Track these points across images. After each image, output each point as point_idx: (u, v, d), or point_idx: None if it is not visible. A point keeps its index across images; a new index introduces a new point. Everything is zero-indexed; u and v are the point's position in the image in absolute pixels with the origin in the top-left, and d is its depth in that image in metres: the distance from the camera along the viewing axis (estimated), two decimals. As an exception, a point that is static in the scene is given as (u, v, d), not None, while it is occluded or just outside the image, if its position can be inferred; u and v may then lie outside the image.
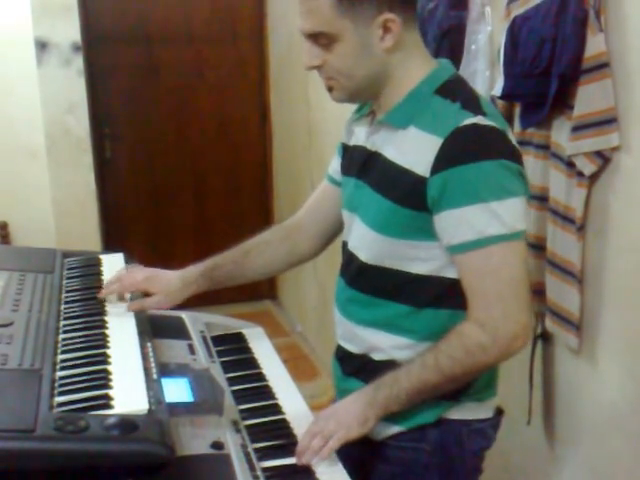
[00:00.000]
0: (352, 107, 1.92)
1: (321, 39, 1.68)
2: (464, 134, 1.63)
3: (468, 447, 1.85)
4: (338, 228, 2.07)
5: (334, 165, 2.06)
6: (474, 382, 1.80)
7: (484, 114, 1.65)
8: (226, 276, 2.11)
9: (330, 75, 1.73)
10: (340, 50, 1.68)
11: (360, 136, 1.88)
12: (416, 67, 1.74)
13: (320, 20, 1.66)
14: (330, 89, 1.78)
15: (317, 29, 1.67)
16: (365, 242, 1.81)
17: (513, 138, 1.71)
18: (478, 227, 1.62)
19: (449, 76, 1.75)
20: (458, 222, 1.63)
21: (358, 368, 1.89)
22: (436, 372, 1.69)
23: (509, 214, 1.62)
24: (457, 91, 1.71)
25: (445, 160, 1.62)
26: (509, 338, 1.66)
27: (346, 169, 1.95)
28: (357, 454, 1.83)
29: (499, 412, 1.93)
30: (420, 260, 1.73)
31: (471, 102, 1.68)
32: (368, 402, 1.71)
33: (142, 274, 2.08)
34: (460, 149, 1.62)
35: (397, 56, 1.71)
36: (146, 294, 2.05)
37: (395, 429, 1.84)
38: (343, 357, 1.96)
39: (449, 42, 2.56)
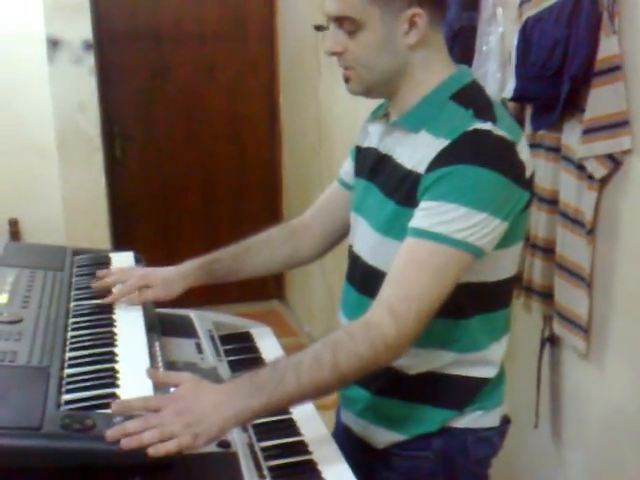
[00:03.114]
0: (362, 108, 1.91)
1: (347, 24, 1.66)
2: (470, 138, 1.60)
3: (473, 455, 1.83)
4: (343, 231, 2.06)
5: (345, 167, 2.05)
6: (479, 390, 1.79)
7: (495, 122, 1.62)
8: (225, 271, 2.10)
9: (349, 64, 1.71)
10: (364, 39, 1.66)
11: (374, 138, 1.86)
12: (436, 70, 1.72)
13: (349, 4, 1.64)
14: (347, 80, 1.75)
15: (345, 13, 1.65)
16: (371, 245, 1.80)
17: (525, 149, 1.67)
18: (442, 222, 1.56)
19: (467, 82, 1.73)
20: (428, 209, 1.59)
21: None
22: (332, 371, 1.53)
23: (476, 226, 1.56)
24: (472, 98, 1.68)
25: (444, 159, 1.60)
26: (409, 340, 1.58)
27: (358, 171, 1.94)
28: (362, 460, 1.82)
29: (506, 420, 1.91)
30: None
31: (484, 110, 1.65)
32: (235, 413, 1.50)
33: (139, 272, 2.10)
34: (461, 150, 1.59)
35: (419, 55, 1.69)
36: (145, 288, 2.05)
37: (399, 437, 1.82)
38: None
39: (460, 43, 2.56)
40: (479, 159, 1.57)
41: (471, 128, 1.60)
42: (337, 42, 1.70)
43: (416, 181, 1.64)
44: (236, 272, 2.12)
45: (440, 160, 1.60)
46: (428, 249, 1.57)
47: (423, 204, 1.60)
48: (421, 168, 1.64)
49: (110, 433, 1.38)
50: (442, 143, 1.61)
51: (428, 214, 1.58)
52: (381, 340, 1.55)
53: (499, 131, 1.61)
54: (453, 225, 1.56)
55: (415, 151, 1.68)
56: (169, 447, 1.40)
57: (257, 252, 2.11)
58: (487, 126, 1.60)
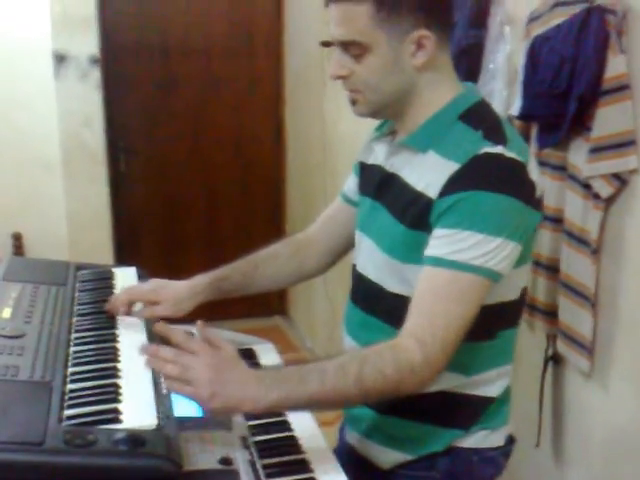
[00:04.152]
0: (367, 124, 1.91)
1: (353, 48, 1.65)
2: (481, 162, 1.59)
3: (478, 475, 1.82)
4: (347, 246, 2.06)
5: (349, 184, 2.05)
6: (485, 410, 1.78)
7: (506, 144, 1.61)
8: (234, 287, 2.10)
9: (356, 87, 1.71)
10: (370, 62, 1.65)
11: (379, 155, 1.85)
12: (443, 90, 1.71)
13: (355, 28, 1.63)
14: (353, 102, 1.75)
15: (351, 37, 1.64)
16: (376, 265, 1.79)
17: (534, 169, 1.67)
18: (460, 250, 1.56)
19: (475, 102, 1.72)
20: (443, 238, 1.58)
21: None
22: (356, 383, 1.53)
23: (493, 252, 1.56)
24: (481, 118, 1.67)
25: (456, 184, 1.58)
26: (436, 369, 1.57)
27: (363, 188, 1.93)
28: (366, 479, 1.81)
29: (511, 440, 1.90)
30: None
31: (494, 131, 1.64)
32: (257, 396, 1.51)
33: (149, 285, 2.08)
34: (473, 176, 1.58)
35: (426, 76, 1.68)
36: (154, 304, 2.05)
37: (405, 457, 1.81)
38: None
39: (467, 61, 2.56)
40: (492, 184, 1.56)
41: (482, 152, 1.59)
42: (342, 66, 1.69)
43: (427, 205, 1.63)
44: (245, 288, 2.11)
45: (452, 185, 1.59)
46: (448, 277, 1.57)
47: (438, 232, 1.60)
48: (432, 192, 1.62)
49: (144, 347, 1.54)
50: (453, 166, 1.60)
51: (445, 242, 1.58)
52: (407, 364, 1.54)
53: (510, 153, 1.60)
54: (471, 252, 1.56)
55: (424, 172, 1.67)
56: (185, 389, 1.49)
57: (265, 268, 2.10)
58: (498, 149, 1.60)
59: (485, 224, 1.56)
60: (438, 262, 1.58)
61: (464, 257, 1.55)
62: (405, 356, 1.54)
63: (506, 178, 1.59)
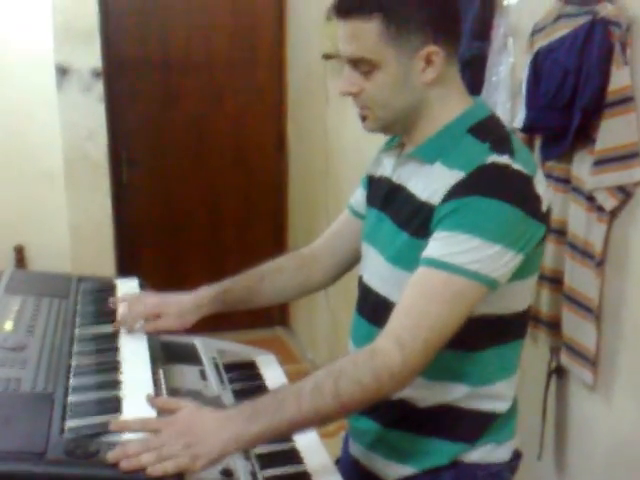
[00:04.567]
0: (369, 136, 1.90)
1: (362, 65, 1.65)
2: (486, 171, 1.59)
3: None
4: (354, 260, 2.06)
5: (357, 196, 2.04)
6: (492, 423, 1.77)
7: (512, 156, 1.61)
8: (238, 300, 2.09)
9: (365, 104, 1.71)
10: (380, 79, 1.65)
11: (387, 167, 1.85)
12: (453, 104, 1.71)
13: (364, 46, 1.63)
14: (363, 119, 1.75)
15: (360, 54, 1.64)
16: (383, 276, 1.78)
17: (542, 182, 1.66)
18: (452, 251, 1.55)
19: (484, 116, 1.72)
20: (440, 240, 1.57)
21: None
22: (334, 399, 1.51)
23: (490, 258, 1.55)
24: (489, 131, 1.67)
25: (459, 190, 1.58)
26: (414, 371, 1.55)
27: (370, 200, 1.92)
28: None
29: (517, 455, 1.88)
30: None
31: (501, 143, 1.64)
32: (235, 436, 1.49)
33: (152, 300, 2.08)
34: (477, 183, 1.58)
35: (436, 91, 1.68)
36: (157, 317, 2.04)
37: (409, 471, 1.80)
38: None
39: (470, 73, 2.55)
40: (495, 192, 1.55)
41: (488, 162, 1.59)
42: (352, 83, 1.69)
43: (430, 212, 1.63)
44: (249, 302, 2.11)
45: (455, 192, 1.59)
46: (440, 279, 1.56)
47: (437, 234, 1.59)
48: (434, 199, 1.62)
49: (111, 455, 1.39)
50: (457, 175, 1.60)
51: (442, 244, 1.57)
52: (386, 370, 1.53)
53: (516, 165, 1.60)
54: (467, 256, 1.54)
55: (429, 183, 1.67)
56: (167, 467, 1.41)
57: (270, 282, 2.10)
58: (504, 160, 1.59)
59: (485, 229, 1.55)
60: (432, 263, 1.57)
61: (460, 260, 1.54)
62: (383, 361, 1.53)
63: (510, 187, 1.58)
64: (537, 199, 1.62)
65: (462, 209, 1.57)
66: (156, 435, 1.48)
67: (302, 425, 1.57)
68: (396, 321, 1.57)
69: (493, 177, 1.59)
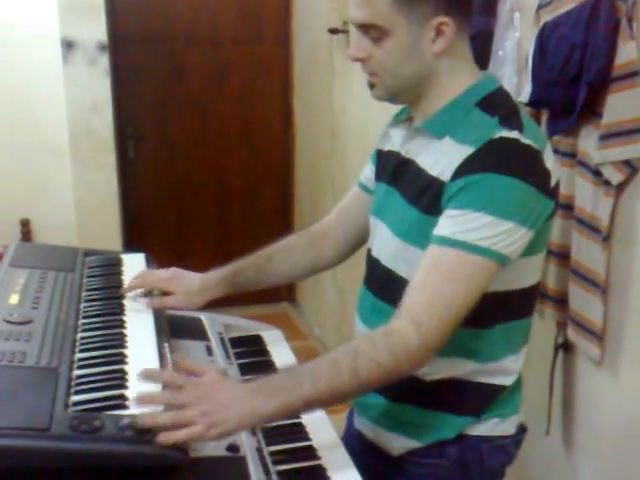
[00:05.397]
0: (376, 111, 1.90)
1: (372, 32, 1.64)
2: (496, 146, 1.58)
3: (488, 463, 1.82)
4: (364, 236, 2.05)
5: (366, 172, 2.03)
6: (496, 397, 1.77)
7: (522, 130, 1.60)
8: (248, 281, 2.09)
9: (374, 71, 1.69)
10: (389, 46, 1.64)
11: (396, 141, 1.85)
12: (462, 76, 1.70)
13: (375, 12, 1.61)
14: (372, 86, 1.74)
15: (370, 21, 1.63)
16: (390, 250, 1.78)
17: (551, 157, 1.66)
18: (464, 229, 1.55)
19: (493, 89, 1.71)
20: (452, 218, 1.57)
21: None
22: (351, 377, 1.52)
23: (501, 235, 1.55)
24: (498, 105, 1.66)
25: (469, 166, 1.58)
26: (431, 349, 1.56)
27: (379, 175, 1.92)
28: (374, 467, 1.81)
29: (522, 429, 1.89)
30: None
31: (510, 117, 1.63)
32: (253, 411, 1.49)
33: (165, 273, 2.08)
34: (487, 159, 1.57)
35: (445, 62, 1.67)
36: (166, 294, 2.04)
37: (415, 444, 1.81)
38: None
39: (476, 48, 2.53)
40: (505, 168, 1.55)
41: (497, 136, 1.58)
42: (362, 48, 1.68)
43: (440, 189, 1.62)
44: (259, 282, 2.10)
45: (465, 168, 1.58)
46: (453, 257, 1.56)
47: (448, 212, 1.59)
48: (445, 175, 1.62)
49: (137, 399, 1.47)
50: (467, 150, 1.60)
51: (454, 222, 1.57)
52: (403, 348, 1.53)
53: (525, 139, 1.59)
54: (479, 233, 1.54)
55: (439, 158, 1.66)
56: (178, 436, 1.41)
57: (280, 262, 2.09)
58: (513, 134, 1.59)
59: (496, 206, 1.54)
60: (444, 241, 1.57)
61: (472, 237, 1.54)
62: (400, 341, 1.53)
63: (520, 163, 1.58)
64: (546, 174, 1.62)
65: (473, 186, 1.56)
66: (177, 393, 1.50)
67: (319, 403, 1.58)
68: (410, 299, 1.57)
69: (503, 153, 1.58)
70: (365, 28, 1.66)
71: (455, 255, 1.56)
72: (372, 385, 1.58)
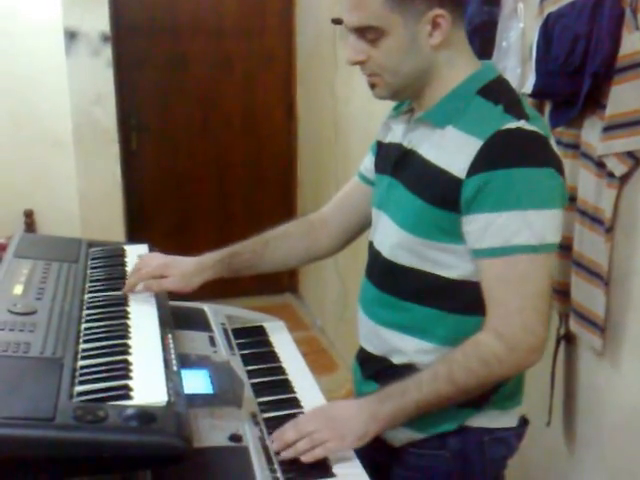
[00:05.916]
0: (379, 102, 1.89)
1: (368, 34, 1.65)
2: (507, 138, 1.59)
3: (489, 455, 1.84)
4: (362, 226, 2.06)
5: (366, 163, 2.04)
6: (498, 390, 1.78)
7: (527, 118, 1.61)
8: (243, 265, 2.09)
9: (374, 71, 1.70)
10: (387, 45, 1.64)
11: (397, 133, 1.85)
12: (461, 67, 1.71)
13: (370, 13, 1.62)
14: (372, 86, 1.74)
15: (366, 23, 1.63)
16: (393, 241, 1.78)
17: (554, 143, 1.68)
18: (507, 234, 1.58)
19: (493, 77, 1.72)
20: (488, 226, 1.59)
21: (377, 371, 1.87)
22: (449, 383, 1.64)
23: (543, 225, 1.59)
24: (500, 93, 1.68)
25: (485, 162, 1.58)
26: (526, 350, 1.63)
27: (380, 167, 1.92)
28: (376, 457, 1.82)
29: (524, 422, 1.90)
30: (450, 264, 1.70)
31: (514, 105, 1.64)
32: (372, 415, 1.65)
33: (157, 261, 2.08)
34: (502, 152, 1.58)
35: (443, 54, 1.68)
36: (162, 277, 2.04)
37: (416, 436, 1.82)
38: (363, 360, 1.94)
39: (480, 38, 2.54)
40: (526, 160, 1.58)
41: (505, 127, 1.59)
42: (359, 51, 1.69)
43: (453, 184, 1.63)
44: (254, 266, 2.11)
45: (481, 164, 1.59)
46: (509, 265, 1.61)
47: (480, 216, 1.61)
48: (457, 170, 1.62)
49: (276, 445, 1.64)
50: (476, 143, 1.60)
51: (494, 230, 1.60)
52: (492, 357, 1.62)
53: (532, 127, 1.60)
54: (523, 234, 1.58)
55: (444, 148, 1.67)
56: (316, 454, 1.61)
57: (276, 247, 2.10)
58: (521, 124, 1.60)
59: (531, 200, 1.58)
60: (494, 252, 1.61)
61: (518, 241, 1.58)
62: (488, 350, 1.62)
63: (534, 151, 1.60)
64: (558, 157, 1.66)
65: (498, 185, 1.58)
66: (306, 422, 1.67)
67: (428, 406, 1.67)
68: (490, 312, 1.65)
69: (516, 144, 1.60)
70: (361, 31, 1.66)
71: (509, 262, 1.62)
72: (472, 389, 1.68)
